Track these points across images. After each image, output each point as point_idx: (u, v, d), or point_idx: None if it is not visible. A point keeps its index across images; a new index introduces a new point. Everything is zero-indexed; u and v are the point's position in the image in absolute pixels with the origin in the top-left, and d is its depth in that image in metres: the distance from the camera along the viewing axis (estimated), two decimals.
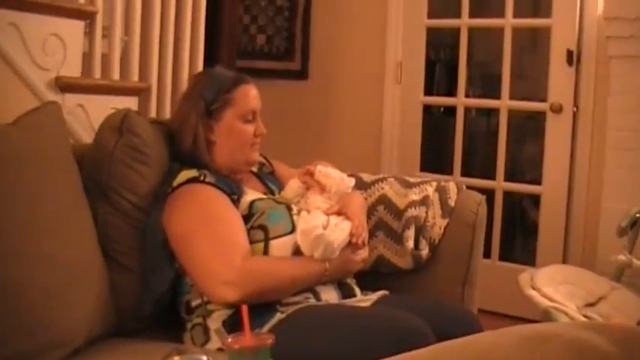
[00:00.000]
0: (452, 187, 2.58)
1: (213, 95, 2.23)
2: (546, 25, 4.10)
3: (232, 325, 1.93)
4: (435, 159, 4.61)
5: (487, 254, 4.10)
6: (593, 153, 3.88)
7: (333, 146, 4.64)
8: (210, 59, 3.67)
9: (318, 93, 4.77)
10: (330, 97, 4.72)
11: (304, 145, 4.62)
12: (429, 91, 4.64)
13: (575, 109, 3.96)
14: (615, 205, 3.61)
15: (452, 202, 2.52)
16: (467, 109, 4.50)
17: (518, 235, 4.72)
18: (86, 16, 2.81)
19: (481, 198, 2.58)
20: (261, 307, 2.01)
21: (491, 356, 0.65)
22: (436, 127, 4.79)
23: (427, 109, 4.63)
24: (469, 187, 2.68)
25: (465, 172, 4.36)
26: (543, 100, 4.08)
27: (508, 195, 4.29)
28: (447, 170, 4.36)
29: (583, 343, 0.67)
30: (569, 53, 3.96)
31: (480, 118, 5.03)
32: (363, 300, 2.20)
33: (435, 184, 2.58)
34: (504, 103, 4.22)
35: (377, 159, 4.53)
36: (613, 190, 3.69)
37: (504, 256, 4.25)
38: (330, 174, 2.29)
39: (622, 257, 3.25)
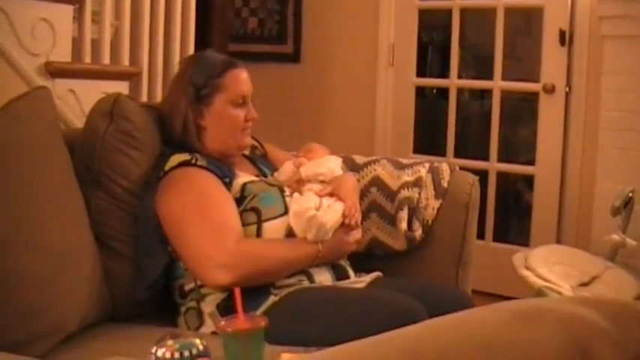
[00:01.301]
0: (445, 168, 2.57)
1: (203, 80, 2.21)
2: (539, 6, 4.09)
3: (226, 308, 1.93)
4: (428, 140, 4.61)
5: (481, 235, 4.09)
6: (587, 133, 3.88)
7: (326, 129, 4.63)
8: (201, 43, 3.65)
9: (311, 76, 4.75)
10: (323, 80, 4.71)
11: (297, 128, 4.61)
12: (421, 73, 4.63)
13: (567, 89, 3.96)
14: (609, 185, 3.61)
15: (445, 183, 2.51)
16: (460, 91, 4.50)
17: (512, 215, 4.73)
18: (75, 1, 2.79)
19: (474, 179, 2.58)
20: (255, 290, 2.00)
21: (481, 332, 0.65)
22: (429, 108, 4.78)
23: (420, 91, 4.62)
24: (462, 169, 2.67)
25: (459, 154, 4.36)
26: (536, 80, 4.07)
27: (502, 176, 4.29)
28: (441, 152, 4.36)
29: (576, 318, 0.66)
30: (562, 33, 3.95)
31: (473, 99, 5.01)
32: (357, 282, 2.20)
33: (427, 165, 2.58)
34: (497, 84, 4.21)
35: (370, 141, 4.52)
36: (606, 170, 3.69)
37: (498, 237, 4.26)
38: (318, 166, 2.28)
39: (615, 237, 3.26)
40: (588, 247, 3.62)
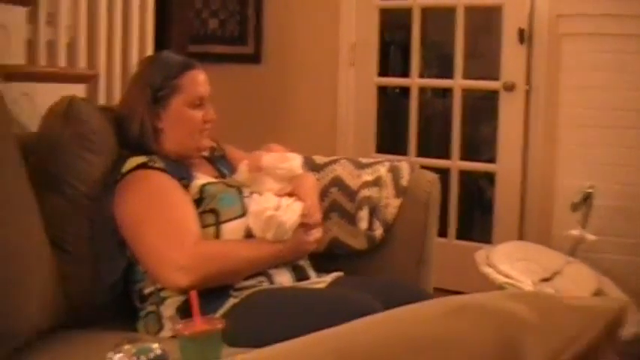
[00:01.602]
0: (404, 166, 2.57)
1: (160, 81, 2.19)
2: (498, 5, 4.12)
3: (185, 311, 1.91)
4: (390, 140, 4.62)
5: (444, 233, 4.12)
6: (547, 130, 3.92)
7: (288, 130, 4.62)
8: (160, 44, 3.62)
9: (272, 77, 4.74)
10: (284, 81, 4.70)
11: (259, 129, 4.59)
12: (383, 72, 4.64)
13: (527, 87, 3.99)
14: (569, 181, 3.64)
15: (405, 182, 2.51)
16: (422, 90, 4.52)
17: (475, 213, 4.76)
18: (28, 2, 2.75)
19: (434, 177, 2.58)
20: (215, 292, 1.99)
21: (411, 329, 0.65)
22: (391, 108, 4.79)
23: (382, 90, 4.63)
24: (425, 167, 2.68)
25: (421, 152, 4.38)
26: (496, 79, 4.10)
27: (464, 174, 4.32)
28: (403, 151, 4.37)
29: (504, 312, 0.67)
30: (521, 32, 3.98)
31: (435, 98, 5.04)
32: (318, 282, 2.19)
33: (387, 164, 2.58)
34: (457, 82, 4.23)
35: (332, 141, 4.52)
36: (567, 166, 3.72)
37: (461, 235, 4.28)
38: (280, 160, 2.26)
39: (575, 232, 3.29)
40: (550, 243, 3.64)
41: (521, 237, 4.00)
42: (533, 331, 0.65)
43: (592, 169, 3.62)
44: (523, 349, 0.62)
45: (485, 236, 4.18)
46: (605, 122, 3.63)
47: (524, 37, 3.97)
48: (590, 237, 3.28)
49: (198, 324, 1.50)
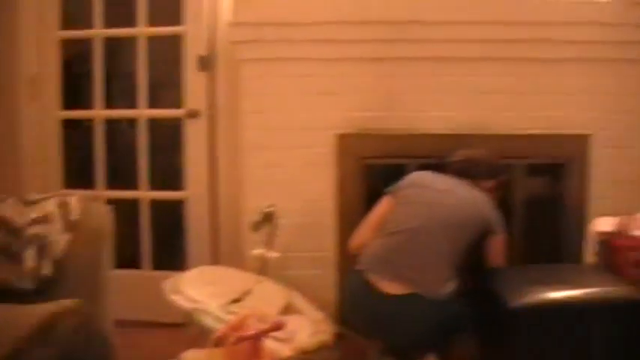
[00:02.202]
0: (74, 201, 2.51)
1: None
2: (179, 33, 4.14)
3: None
4: (78, 174, 4.47)
5: (138, 265, 4.07)
6: (231, 154, 4.00)
7: None
8: None
9: None
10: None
11: None
12: (71, 104, 4.47)
13: (211, 113, 4.05)
14: (255, 202, 3.73)
15: (74, 217, 2.45)
16: (110, 121, 4.41)
17: (170, 242, 4.73)
18: None
19: (106, 209, 2.54)
20: None
21: None
22: (79, 141, 4.64)
23: (69, 123, 4.46)
24: (115, 199, 2.64)
25: (111, 184, 4.28)
26: (181, 106, 4.12)
27: (154, 203, 4.27)
28: (92, 184, 4.25)
29: None
30: (202, 59, 4.04)
31: (121, 129, 4.95)
32: None
33: (57, 199, 2.50)
34: (142, 112, 4.21)
35: (18, 179, 4.28)
36: (251, 188, 3.82)
37: (156, 265, 4.23)
38: None
39: (258, 251, 3.38)
40: (243, 265, 3.72)
41: (216, 261, 4.04)
42: None
43: (274, 189, 3.76)
44: None
45: (180, 264, 4.17)
46: (285, 143, 3.79)
47: (205, 63, 4.03)
48: (273, 254, 3.39)
49: None
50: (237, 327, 2.09)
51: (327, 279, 3.72)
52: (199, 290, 3.20)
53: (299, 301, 3.51)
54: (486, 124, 3.78)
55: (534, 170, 3.91)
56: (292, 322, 3.31)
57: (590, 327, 2.92)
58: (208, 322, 3.01)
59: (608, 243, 3.34)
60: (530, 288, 3.01)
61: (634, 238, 3.28)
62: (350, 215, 3.70)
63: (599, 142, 3.82)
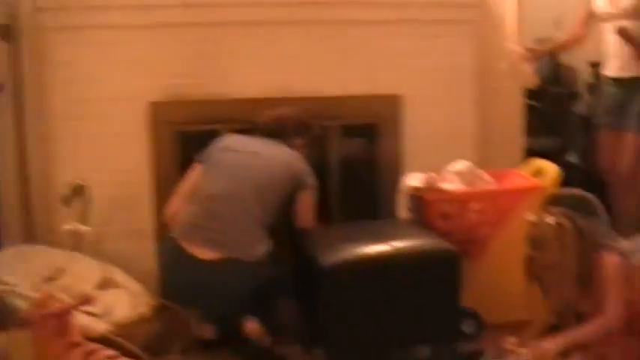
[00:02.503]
0: None
1: None
2: None
3: None
4: None
5: None
6: (41, 125, 3.78)
7: None
8: None
9: None
10: None
11: None
12: None
13: (16, 85, 3.85)
14: (66, 176, 3.60)
15: None
16: None
17: None
18: None
19: None
20: None
21: None
22: None
23: None
24: None
25: None
26: None
27: None
28: None
29: None
30: (5, 28, 3.83)
31: None
32: None
33: None
34: None
35: None
36: (62, 162, 3.68)
37: None
38: None
39: (69, 227, 3.27)
40: (58, 242, 3.58)
41: (30, 238, 3.87)
42: None
43: (87, 161, 3.65)
44: None
45: None
46: (95, 114, 3.68)
47: (7, 33, 3.82)
48: (84, 228, 3.29)
49: None
50: (40, 305, 1.98)
51: (145, 251, 3.61)
52: (13, 271, 3.06)
53: (117, 275, 3.43)
54: (299, 87, 3.80)
55: (349, 131, 3.98)
56: (110, 296, 3.24)
57: (400, 280, 3.01)
58: (18, 303, 2.89)
59: (419, 198, 3.45)
60: (341, 245, 3.06)
61: (441, 191, 3.40)
62: (166, 185, 3.61)
63: (410, 102, 3.93)
